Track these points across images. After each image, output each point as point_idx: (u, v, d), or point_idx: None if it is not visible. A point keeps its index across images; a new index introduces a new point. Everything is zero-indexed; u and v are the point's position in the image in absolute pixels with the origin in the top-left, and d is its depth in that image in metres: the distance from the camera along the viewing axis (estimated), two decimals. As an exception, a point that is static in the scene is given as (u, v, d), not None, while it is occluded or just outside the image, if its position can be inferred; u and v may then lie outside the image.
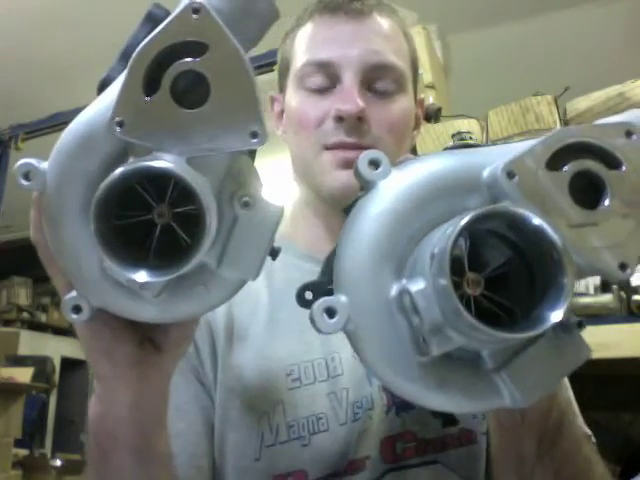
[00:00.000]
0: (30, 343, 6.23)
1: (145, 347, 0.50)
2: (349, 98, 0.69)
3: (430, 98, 1.89)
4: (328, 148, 0.72)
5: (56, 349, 6.56)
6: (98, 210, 0.39)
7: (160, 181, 0.41)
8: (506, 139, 1.78)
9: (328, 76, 0.72)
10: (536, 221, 0.38)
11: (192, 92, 0.41)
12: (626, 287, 1.64)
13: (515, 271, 0.41)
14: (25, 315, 6.64)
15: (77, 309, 0.44)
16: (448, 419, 0.53)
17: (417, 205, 0.42)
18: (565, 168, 0.41)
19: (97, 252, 0.40)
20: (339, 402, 0.69)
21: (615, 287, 1.64)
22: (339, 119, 0.70)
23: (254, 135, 0.41)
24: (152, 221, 0.42)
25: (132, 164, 0.40)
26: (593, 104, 1.74)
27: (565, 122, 1.78)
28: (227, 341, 0.72)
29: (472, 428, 0.70)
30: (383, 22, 0.75)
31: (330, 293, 0.42)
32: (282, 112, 0.80)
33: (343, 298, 0.41)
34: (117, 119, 0.40)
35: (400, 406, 0.69)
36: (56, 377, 6.30)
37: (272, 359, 0.70)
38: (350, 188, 0.68)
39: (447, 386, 0.41)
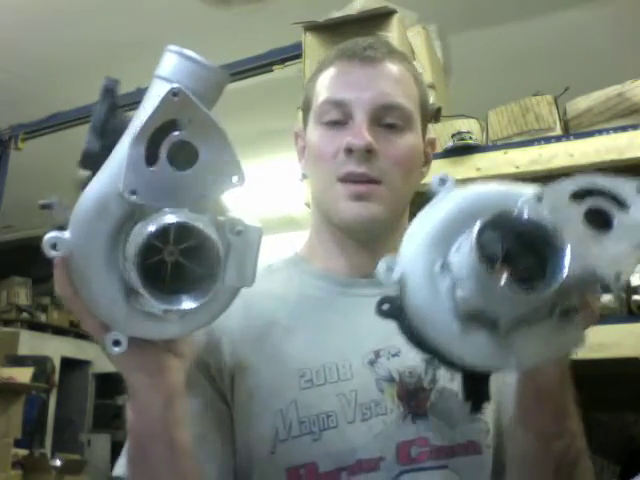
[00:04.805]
0: (30, 343, 6.23)
1: (169, 356, 0.60)
2: (358, 133, 0.79)
3: (430, 98, 1.89)
4: (340, 180, 0.80)
5: (56, 349, 6.56)
6: (137, 265, 0.49)
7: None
8: (506, 139, 1.78)
9: (343, 114, 0.81)
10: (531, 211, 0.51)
11: (182, 153, 0.52)
12: (626, 287, 1.63)
13: (537, 269, 0.52)
14: (25, 315, 6.64)
15: (117, 343, 0.53)
16: (475, 404, 0.63)
17: (466, 215, 0.54)
18: (584, 202, 0.54)
19: (125, 293, 0.52)
20: (348, 402, 0.76)
21: (615, 287, 1.63)
22: (349, 151, 0.79)
23: (236, 178, 0.53)
24: (163, 259, 0.52)
25: (155, 222, 0.50)
26: (593, 104, 1.73)
27: (565, 122, 1.77)
28: (247, 350, 0.79)
29: (478, 441, 0.77)
30: (394, 68, 0.84)
31: (400, 307, 0.55)
32: (304, 148, 0.89)
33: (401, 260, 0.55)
34: (130, 188, 0.50)
35: (415, 414, 0.77)
36: (56, 377, 6.31)
37: (287, 363, 0.78)
38: (359, 217, 0.80)
39: (469, 337, 0.52)
